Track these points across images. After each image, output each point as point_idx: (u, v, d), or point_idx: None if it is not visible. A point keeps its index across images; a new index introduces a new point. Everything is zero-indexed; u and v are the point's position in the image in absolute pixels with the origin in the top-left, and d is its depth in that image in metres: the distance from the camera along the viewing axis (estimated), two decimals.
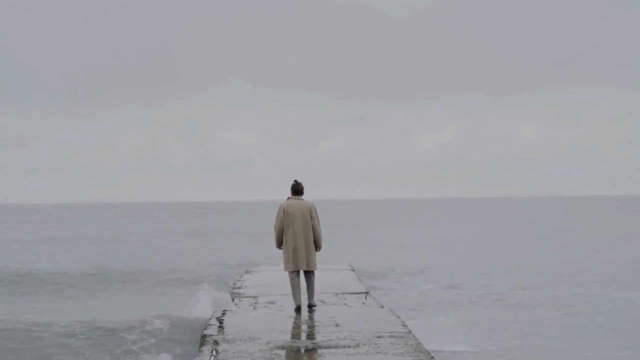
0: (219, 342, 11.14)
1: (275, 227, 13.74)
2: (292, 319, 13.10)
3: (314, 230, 13.63)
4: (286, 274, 14.00)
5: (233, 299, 15.92)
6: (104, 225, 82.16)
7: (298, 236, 13.56)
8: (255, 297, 16.14)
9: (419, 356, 10.01)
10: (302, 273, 13.93)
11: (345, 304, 14.93)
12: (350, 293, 16.55)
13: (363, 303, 15.07)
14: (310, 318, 13.18)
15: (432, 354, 10.38)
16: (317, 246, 13.79)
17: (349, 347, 10.63)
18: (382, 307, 14.50)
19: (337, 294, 16.28)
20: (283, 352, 10.34)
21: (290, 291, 14.06)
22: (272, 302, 15.17)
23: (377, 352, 10.25)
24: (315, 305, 14.00)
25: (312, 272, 13.87)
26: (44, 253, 40.80)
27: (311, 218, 13.60)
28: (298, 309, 13.78)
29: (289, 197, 13.83)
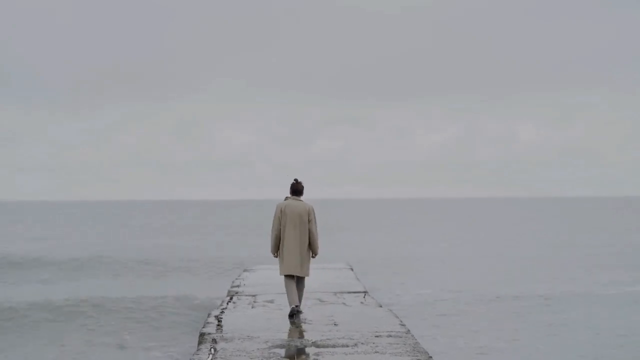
0: (217, 340, 11.14)
1: (272, 229, 12.90)
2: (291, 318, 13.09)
3: (310, 234, 12.82)
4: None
5: (231, 298, 15.91)
6: (102, 222, 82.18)
7: (293, 239, 12.75)
8: (254, 295, 16.13)
9: (417, 356, 10.00)
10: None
11: (344, 303, 14.92)
12: (349, 292, 16.54)
13: (361, 302, 15.05)
14: (309, 317, 13.16)
15: (430, 354, 10.38)
16: (313, 252, 12.98)
17: (347, 346, 10.62)
18: (381, 307, 14.49)
19: (335, 293, 16.28)
20: (281, 351, 10.33)
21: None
22: (270, 301, 15.16)
23: (375, 352, 10.24)
24: (301, 312, 13.21)
25: (303, 278, 13.19)
26: (45, 246, 40.85)
27: (309, 221, 12.79)
28: (292, 315, 12.95)
29: (287, 197, 13.02)
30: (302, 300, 13.71)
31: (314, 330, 11.87)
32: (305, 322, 12.63)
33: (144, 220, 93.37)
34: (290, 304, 13.04)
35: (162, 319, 16.82)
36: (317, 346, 10.64)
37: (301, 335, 11.45)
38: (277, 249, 12.94)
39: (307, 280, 13.77)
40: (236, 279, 20.12)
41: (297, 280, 13.13)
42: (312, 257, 13.04)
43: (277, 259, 13.75)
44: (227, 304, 15.01)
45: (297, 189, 12.98)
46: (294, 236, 12.77)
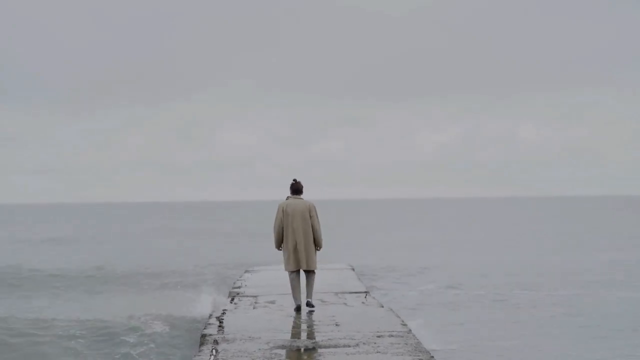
0: (218, 341, 11.14)
1: (274, 227, 13.72)
2: (292, 319, 13.11)
3: (313, 229, 13.59)
4: (286, 274, 13.99)
5: (233, 299, 15.91)
6: (104, 225, 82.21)
7: (298, 235, 13.53)
8: (255, 296, 16.14)
9: (418, 356, 10.01)
10: (302, 272, 13.90)
11: (345, 303, 14.92)
12: (350, 292, 16.54)
13: (363, 302, 15.06)
14: (310, 317, 13.18)
15: (432, 354, 10.38)
16: (317, 245, 13.74)
17: (349, 346, 10.63)
18: (382, 307, 14.49)
19: (336, 294, 16.28)
20: (283, 352, 10.34)
21: (290, 291, 14.08)
22: (272, 302, 15.16)
23: (377, 352, 10.25)
24: (313, 306, 13.87)
25: (313, 271, 13.80)
26: (44, 253, 40.84)
27: (310, 217, 13.56)
28: (298, 309, 13.76)
29: (288, 197, 13.81)
30: (314, 295, 14.30)
31: (315, 330, 11.88)
32: (306, 323, 12.64)
33: (144, 221, 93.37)
34: (295, 302, 13.88)
35: (162, 320, 16.81)
36: (319, 346, 10.64)
37: (303, 336, 11.45)
38: (281, 242, 13.75)
39: None
40: (237, 280, 20.13)
41: (307, 276, 13.83)
42: (317, 249, 13.81)
43: (279, 260, 14.10)
44: (229, 305, 15.02)
45: (297, 188, 13.82)
46: (298, 233, 13.53)
